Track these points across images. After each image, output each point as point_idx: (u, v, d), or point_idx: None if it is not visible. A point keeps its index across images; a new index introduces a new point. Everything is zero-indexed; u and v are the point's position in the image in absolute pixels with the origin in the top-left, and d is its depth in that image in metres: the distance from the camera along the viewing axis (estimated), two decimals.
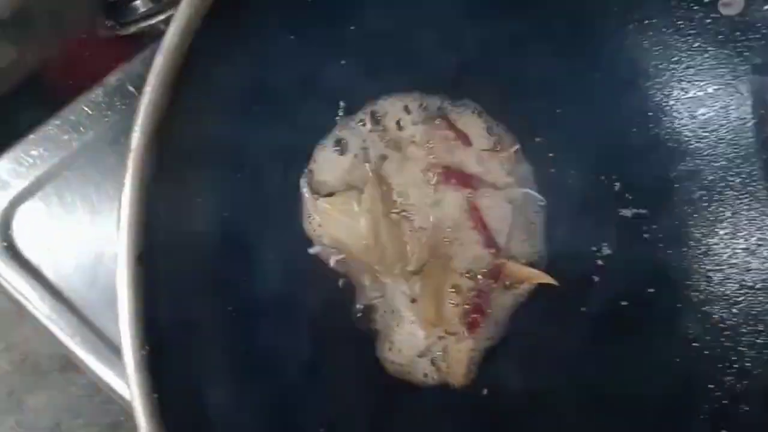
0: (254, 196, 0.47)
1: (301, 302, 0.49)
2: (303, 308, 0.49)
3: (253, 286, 0.46)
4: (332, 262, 0.53)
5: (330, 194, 0.52)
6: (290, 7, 0.46)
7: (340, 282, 0.56)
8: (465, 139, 0.56)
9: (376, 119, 0.54)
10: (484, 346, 0.56)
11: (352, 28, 0.51)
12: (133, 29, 0.54)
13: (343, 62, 0.51)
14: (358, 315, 0.54)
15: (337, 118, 0.54)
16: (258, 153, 0.45)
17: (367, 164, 0.53)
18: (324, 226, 0.52)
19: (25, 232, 0.46)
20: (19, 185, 0.46)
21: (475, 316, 0.55)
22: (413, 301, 0.54)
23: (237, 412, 0.41)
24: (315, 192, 0.53)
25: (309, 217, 0.52)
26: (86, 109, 0.48)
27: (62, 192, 0.47)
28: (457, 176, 0.55)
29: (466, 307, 0.55)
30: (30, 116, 0.47)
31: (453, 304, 0.56)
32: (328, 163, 0.52)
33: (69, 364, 0.64)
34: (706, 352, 0.55)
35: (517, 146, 0.58)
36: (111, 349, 0.48)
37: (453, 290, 0.55)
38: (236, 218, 0.45)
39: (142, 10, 0.54)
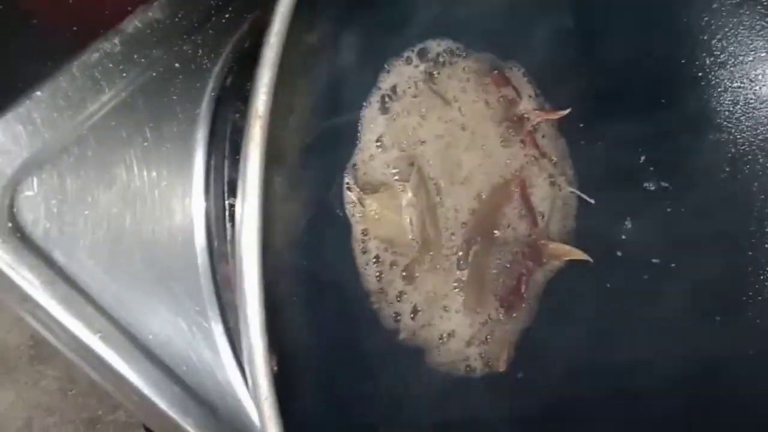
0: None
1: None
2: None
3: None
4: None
5: (375, 190, 0.47)
6: None
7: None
8: (517, 95, 0.53)
9: (425, 56, 0.50)
10: (521, 328, 0.54)
11: None
12: None
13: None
14: (405, 317, 0.50)
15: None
16: None
17: (409, 155, 0.48)
18: (370, 226, 0.47)
19: (32, 209, 0.38)
20: (23, 153, 0.38)
21: (512, 298, 0.53)
22: (457, 289, 0.51)
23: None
24: (361, 188, 0.48)
25: (353, 216, 0.47)
26: (102, 62, 0.40)
27: (74, 162, 0.39)
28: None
29: (505, 290, 0.53)
30: (33, 69, 0.39)
31: (493, 287, 0.52)
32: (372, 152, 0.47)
33: (38, 355, 0.56)
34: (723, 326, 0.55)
35: (569, 108, 0.55)
36: (134, 344, 0.41)
37: (495, 272, 0.52)
38: None
39: None
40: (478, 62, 0.53)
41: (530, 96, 0.56)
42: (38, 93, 0.37)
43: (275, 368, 0.28)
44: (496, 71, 0.53)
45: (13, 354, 0.57)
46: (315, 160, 0.42)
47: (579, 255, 0.55)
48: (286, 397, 0.27)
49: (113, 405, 0.58)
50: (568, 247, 0.56)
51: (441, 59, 0.51)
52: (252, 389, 0.27)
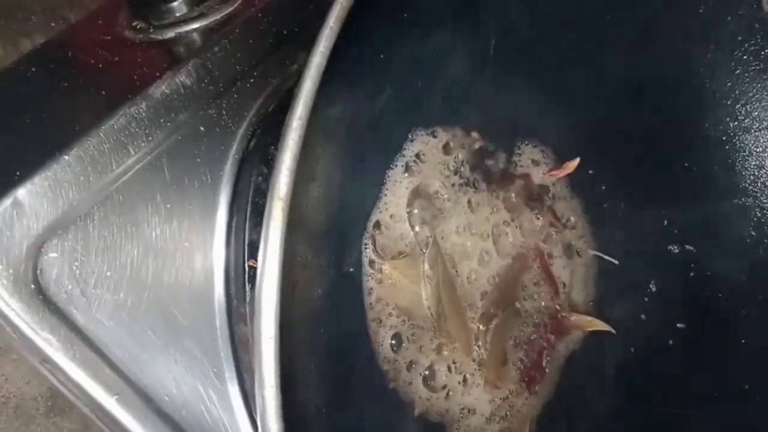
0: None
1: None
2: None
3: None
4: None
5: (393, 257, 0.47)
6: None
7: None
8: (527, 179, 0.53)
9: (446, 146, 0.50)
10: (542, 402, 0.53)
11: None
12: (170, 34, 0.47)
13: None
14: (422, 392, 0.50)
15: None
16: None
17: (426, 225, 0.48)
18: (387, 293, 0.47)
19: (55, 271, 0.39)
20: (49, 216, 0.38)
21: (534, 372, 0.52)
22: (477, 363, 0.50)
23: None
24: (379, 254, 0.47)
25: (371, 285, 0.47)
26: (129, 126, 0.41)
27: (99, 223, 0.40)
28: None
29: (526, 364, 0.52)
30: (60, 132, 0.40)
31: (514, 361, 0.52)
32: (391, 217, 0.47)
33: (55, 406, 0.56)
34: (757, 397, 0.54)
35: (578, 159, 0.54)
36: (149, 406, 0.41)
37: (515, 348, 0.52)
38: None
39: (180, 12, 0.47)
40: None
41: (542, 164, 0.56)
42: (65, 156, 0.38)
43: None
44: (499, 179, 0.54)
45: (30, 405, 0.57)
46: (337, 226, 0.42)
47: (602, 326, 0.55)
48: None
49: None
50: (590, 319, 0.55)
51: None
52: None
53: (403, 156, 0.49)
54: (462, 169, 0.51)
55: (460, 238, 0.50)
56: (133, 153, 0.40)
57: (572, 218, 0.57)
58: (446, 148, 0.50)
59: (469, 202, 0.51)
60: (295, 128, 0.26)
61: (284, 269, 0.28)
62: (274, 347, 0.26)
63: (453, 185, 0.50)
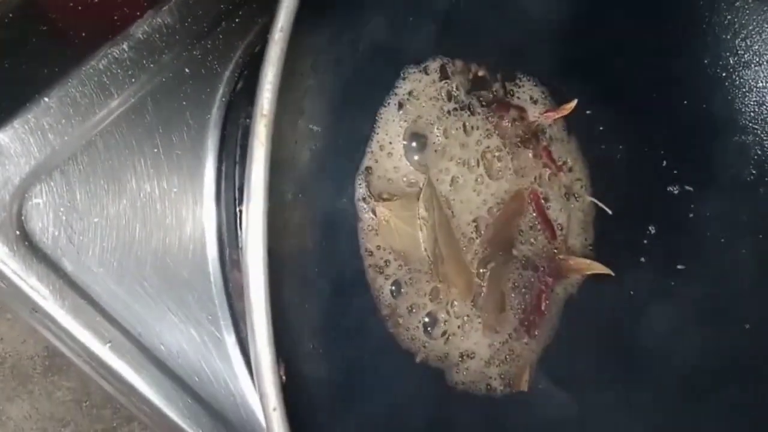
0: None
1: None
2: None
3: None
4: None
5: (388, 199, 0.46)
6: None
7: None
8: (522, 113, 0.52)
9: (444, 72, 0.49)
10: (542, 346, 0.52)
11: None
12: None
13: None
14: (422, 330, 0.49)
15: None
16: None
17: (421, 161, 0.47)
18: (383, 235, 0.46)
19: (40, 217, 0.38)
20: (31, 161, 0.37)
21: (533, 316, 0.51)
22: (476, 307, 0.49)
23: None
24: (373, 195, 0.46)
25: (365, 226, 0.46)
26: (111, 67, 0.40)
27: (83, 169, 0.39)
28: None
29: (525, 307, 0.51)
30: (41, 75, 0.39)
31: (513, 305, 0.51)
32: (385, 157, 0.46)
33: (53, 365, 0.56)
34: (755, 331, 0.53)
35: (575, 100, 0.54)
36: (144, 354, 0.40)
37: (513, 291, 0.51)
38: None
39: None
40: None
41: (540, 103, 0.55)
42: (46, 99, 0.37)
43: (284, 378, 0.27)
44: (494, 104, 0.52)
45: (27, 365, 0.56)
46: (327, 164, 0.41)
47: (600, 269, 0.54)
48: (295, 408, 0.26)
49: (128, 417, 0.57)
50: (588, 261, 0.54)
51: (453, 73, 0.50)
52: (260, 399, 0.26)
53: (396, 95, 0.48)
54: (456, 93, 0.49)
55: (454, 172, 0.49)
56: (116, 95, 0.39)
57: (569, 161, 0.56)
58: (442, 79, 0.49)
59: (464, 126, 0.50)
60: (277, 41, 0.25)
61: (273, 203, 0.27)
62: (263, 275, 0.26)
63: (448, 113, 0.49)
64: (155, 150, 0.40)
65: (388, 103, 0.47)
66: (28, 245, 0.36)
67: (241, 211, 0.42)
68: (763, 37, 0.53)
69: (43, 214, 0.37)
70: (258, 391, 0.26)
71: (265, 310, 0.26)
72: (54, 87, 0.37)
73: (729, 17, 0.53)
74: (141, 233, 0.39)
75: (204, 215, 0.42)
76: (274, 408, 0.26)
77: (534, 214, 0.52)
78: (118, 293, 0.38)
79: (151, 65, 0.40)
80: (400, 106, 0.48)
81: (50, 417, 0.57)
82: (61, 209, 0.37)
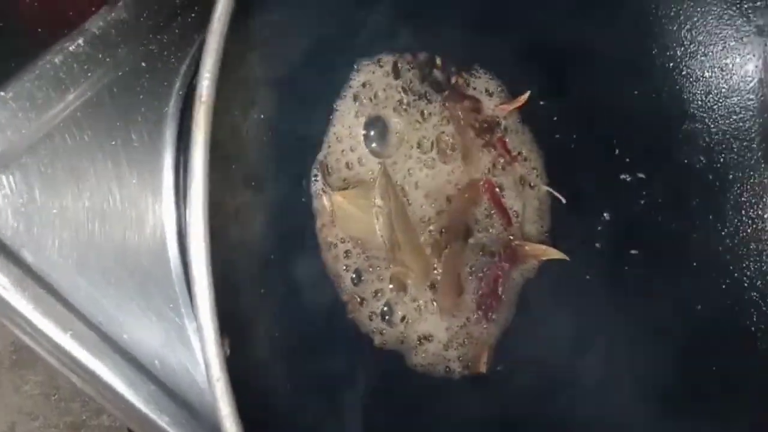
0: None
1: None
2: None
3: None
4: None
5: (344, 188, 0.47)
6: None
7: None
8: (477, 104, 0.53)
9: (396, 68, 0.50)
10: (500, 330, 0.54)
11: None
12: None
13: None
14: (379, 318, 0.50)
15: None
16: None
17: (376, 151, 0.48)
18: (339, 223, 0.47)
19: (0, 210, 0.39)
20: None
21: (490, 300, 0.53)
22: (433, 291, 0.51)
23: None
24: (329, 184, 0.48)
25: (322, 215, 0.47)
26: (66, 62, 0.40)
27: (42, 161, 0.40)
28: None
29: (481, 292, 0.53)
30: None
31: (470, 290, 0.53)
32: (341, 146, 0.47)
33: (20, 360, 0.56)
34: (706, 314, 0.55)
35: (528, 91, 0.55)
36: (107, 342, 0.41)
37: (470, 276, 0.52)
38: None
39: None
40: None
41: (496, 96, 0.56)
42: (2, 93, 0.37)
43: (227, 351, 0.29)
44: (449, 94, 0.54)
45: None
46: (282, 154, 0.42)
47: (556, 254, 0.56)
48: (242, 381, 0.28)
49: (97, 409, 0.58)
50: (544, 247, 0.56)
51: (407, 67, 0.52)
52: (205, 371, 0.28)
53: (350, 87, 0.49)
54: (412, 84, 0.51)
55: (411, 160, 0.50)
56: (72, 90, 0.40)
57: (523, 151, 0.57)
58: (395, 72, 0.50)
59: (421, 113, 0.51)
60: (215, 30, 0.26)
61: (222, 188, 0.28)
62: (205, 264, 0.27)
63: (403, 102, 0.50)
64: (113, 143, 0.41)
65: (344, 96, 0.48)
66: None
67: None
68: (708, 28, 0.55)
69: (2, 205, 0.37)
70: (202, 363, 0.28)
71: (207, 283, 0.27)
72: (9, 81, 0.38)
73: (675, 9, 0.55)
74: (101, 224, 0.40)
75: (163, 206, 0.43)
76: (217, 378, 0.27)
77: (489, 203, 0.54)
78: (80, 283, 0.39)
79: (107, 59, 0.41)
80: (356, 97, 0.49)
81: (19, 411, 0.58)
82: (20, 201, 0.38)
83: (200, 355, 0.45)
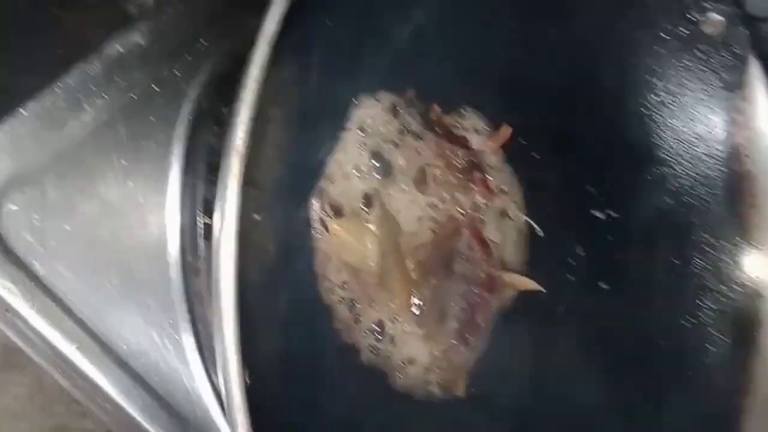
0: None
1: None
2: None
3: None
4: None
5: (340, 215, 0.50)
6: None
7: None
8: (464, 143, 0.57)
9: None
10: (477, 356, 0.57)
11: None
12: None
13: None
14: (366, 341, 0.53)
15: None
16: None
17: (373, 182, 0.51)
18: (335, 251, 0.50)
19: (15, 223, 0.40)
20: (6, 170, 0.39)
21: (469, 327, 0.56)
22: (417, 317, 0.54)
23: None
24: (326, 212, 0.50)
25: (319, 239, 0.50)
26: (84, 83, 0.42)
27: (56, 178, 0.41)
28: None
29: (462, 318, 0.56)
30: (18, 87, 0.41)
31: (451, 317, 0.56)
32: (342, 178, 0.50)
33: (7, 363, 0.57)
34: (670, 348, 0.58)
35: (510, 129, 0.59)
36: (108, 354, 0.43)
37: (451, 304, 0.55)
38: None
39: None
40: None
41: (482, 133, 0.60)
42: (23, 111, 0.39)
43: (248, 381, 0.30)
44: (441, 132, 0.57)
45: None
46: (288, 184, 0.45)
47: (532, 286, 0.59)
48: (258, 408, 0.29)
49: (81, 413, 0.58)
50: (521, 278, 0.59)
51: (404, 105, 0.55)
52: (225, 399, 0.29)
53: (352, 120, 0.52)
54: (408, 121, 0.53)
55: (403, 192, 0.53)
56: (87, 109, 0.42)
57: (504, 187, 0.61)
58: (393, 111, 0.53)
59: (415, 150, 0.54)
60: (250, 89, 0.28)
61: (241, 226, 0.30)
62: (233, 300, 0.29)
63: (400, 141, 0.53)
64: (123, 162, 0.43)
65: (346, 127, 0.51)
66: (3, 249, 0.38)
67: (205, 223, 0.45)
68: (679, 79, 0.59)
69: (17, 220, 0.39)
70: (224, 392, 0.29)
71: (234, 320, 0.29)
72: (30, 100, 0.39)
73: (649, 60, 0.59)
74: (108, 239, 0.42)
75: (167, 224, 0.44)
76: (239, 408, 0.29)
77: (470, 238, 0.57)
78: (86, 296, 0.41)
79: (123, 82, 0.43)
80: (356, 129, 0.52)
81: (5, 412, 0.58)
82: (35, 216, 0.39)
83: (195, 368, 0.47)
